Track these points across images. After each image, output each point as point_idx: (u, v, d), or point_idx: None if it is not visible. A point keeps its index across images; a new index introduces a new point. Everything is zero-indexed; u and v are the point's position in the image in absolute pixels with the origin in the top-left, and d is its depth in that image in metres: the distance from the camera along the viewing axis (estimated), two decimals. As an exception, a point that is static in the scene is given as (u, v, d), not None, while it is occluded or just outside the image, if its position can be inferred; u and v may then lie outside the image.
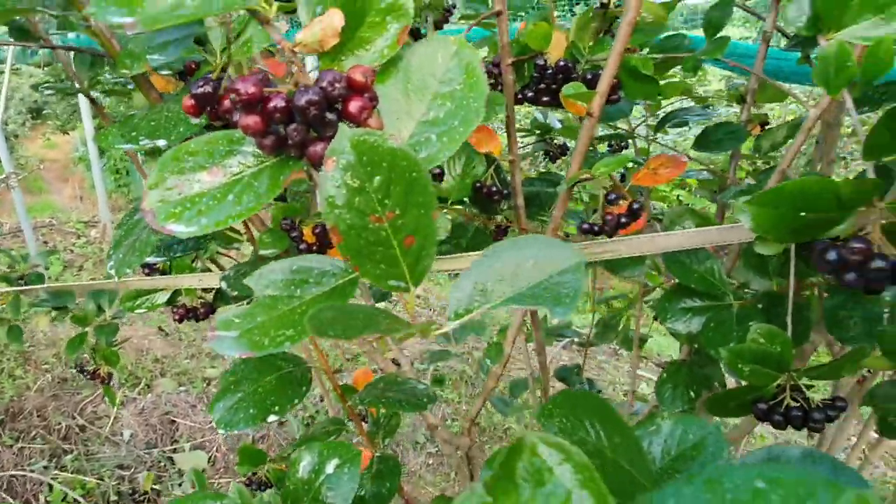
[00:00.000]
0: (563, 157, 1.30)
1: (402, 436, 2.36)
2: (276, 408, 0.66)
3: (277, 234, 0.65)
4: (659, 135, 1.14)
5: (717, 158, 1.78)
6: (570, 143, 1.30)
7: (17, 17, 0.71)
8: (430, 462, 2.28)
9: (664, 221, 1.04)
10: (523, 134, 1.43)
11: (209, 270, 0.85)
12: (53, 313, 1.26)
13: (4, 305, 1.22)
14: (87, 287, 1.23)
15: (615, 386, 2.64)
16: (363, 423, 0.84)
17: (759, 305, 0.74)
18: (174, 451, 2.29)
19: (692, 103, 1.17)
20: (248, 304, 0.37)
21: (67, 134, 6.80)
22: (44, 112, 6.98)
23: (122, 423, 2.42)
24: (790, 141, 0.97)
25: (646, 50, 0.93)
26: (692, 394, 0.84)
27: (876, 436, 0.90)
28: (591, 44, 0.74)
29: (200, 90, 0.34)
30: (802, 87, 1.94)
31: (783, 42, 0.92)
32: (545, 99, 0.75)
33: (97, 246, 4.27)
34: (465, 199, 0.89)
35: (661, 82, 1.16)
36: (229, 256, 1.02)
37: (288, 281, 0.34)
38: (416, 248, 0.32)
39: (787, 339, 0.59)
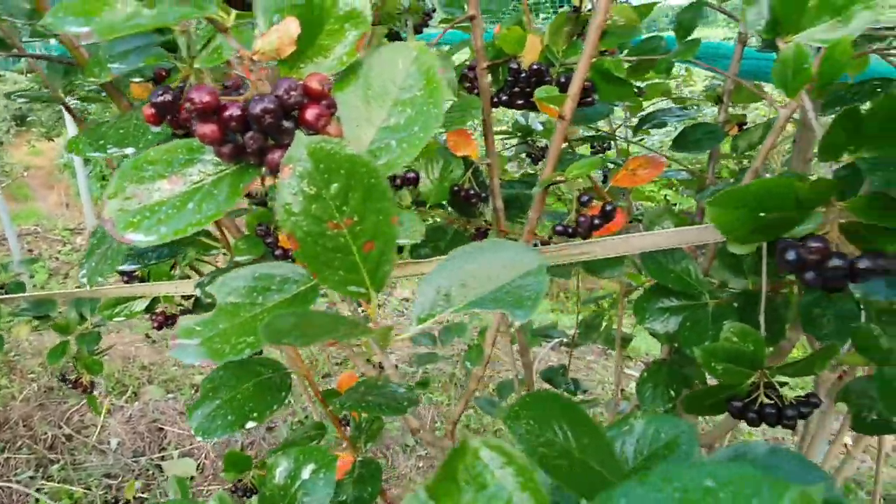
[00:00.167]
0: (545, 159, 1.31)
1: (391, 439, 2.35)
2: (255, 414, 0.65)
3: (253, 240, 0.65)
4: (646, 136, 1.14)
5: (702, 158, 1.79)
6: (553, 145, 1.30)
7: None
8: (420, 465, 2.28)
9: (644, 221, 1.04)
10: (506, 136, 1.44)
11: (188, 277, 0.85)
12: (35, 322, 1.25)
13: (-16, 315, 1.21)
14: (68, 295, 1.22)
15: (604, 385, 2.65)
16: (346, 428, 0.84)
17: (735, 304, 0.75)
18: (162, 458, 2.28)
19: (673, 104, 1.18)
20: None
21: (52, 141, 6.75)
22: (28, 119, 6.92)
23: (110, 431, 2.40)
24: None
25: (625, 52, 0.94)
26: (672, 392, 0.84)
27: (856, 431, 0.91)
28: (564, 47, 0.74)
29: (160, 99, 0.34)
30: (782, 87, 1.95)
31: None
32: (520, 102, 0.76)
33: (83, 253, 4.24)
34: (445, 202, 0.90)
35: (643, 84, 1.17)
36: (212, 263, 1.02)
37: (250, 288, 0.34)
38: (376, 253, 0.33)
39: (760, 337, 0.59)
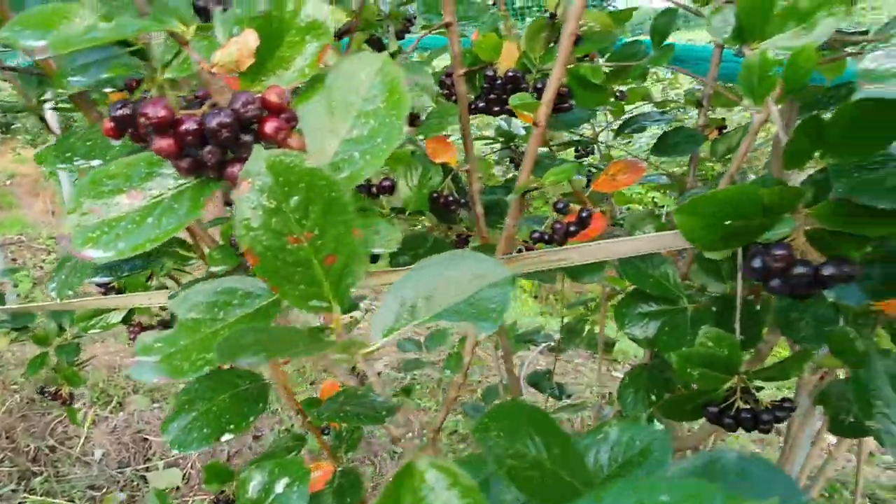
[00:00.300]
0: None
1: (379, 446, 2.34)
2: (232, 426, 0.65)
3: (227, 250, 0.64)
4: (631, 140, 1.15)
5: (687, 161, 1.80)
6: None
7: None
8: (409, 471, 2.27)
9: (626, 225, 1.05)
10: (492, 141, 1.44)
11: (166, 287, 0.84)
12: (13, 333, 1.23)
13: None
14: (47, 307, 1.20)
15: (591, 389, 2.65)
16: (325, 437, 0.83)
17: (714, 308, 0.75)
18: (147, 469, 2.25)
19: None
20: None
21: (37, 148, 6.68)
22: (13, 126, 6.84)
23: (94, 442, 2.37)
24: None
25: (605, 57, 0.95)
26: (653, 397, 0.84)
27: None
28: (541, 53, 0.74)
29: (119, 113, 0.34)
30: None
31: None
32: (496, 109, 0.76)
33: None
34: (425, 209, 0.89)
35: (625, 88, 1.17)
36: (191, 273, 1.01)
37: (211, 303, 0.34)
38: (339, 266, 0.32)
39: (735, 341, 0.59)
